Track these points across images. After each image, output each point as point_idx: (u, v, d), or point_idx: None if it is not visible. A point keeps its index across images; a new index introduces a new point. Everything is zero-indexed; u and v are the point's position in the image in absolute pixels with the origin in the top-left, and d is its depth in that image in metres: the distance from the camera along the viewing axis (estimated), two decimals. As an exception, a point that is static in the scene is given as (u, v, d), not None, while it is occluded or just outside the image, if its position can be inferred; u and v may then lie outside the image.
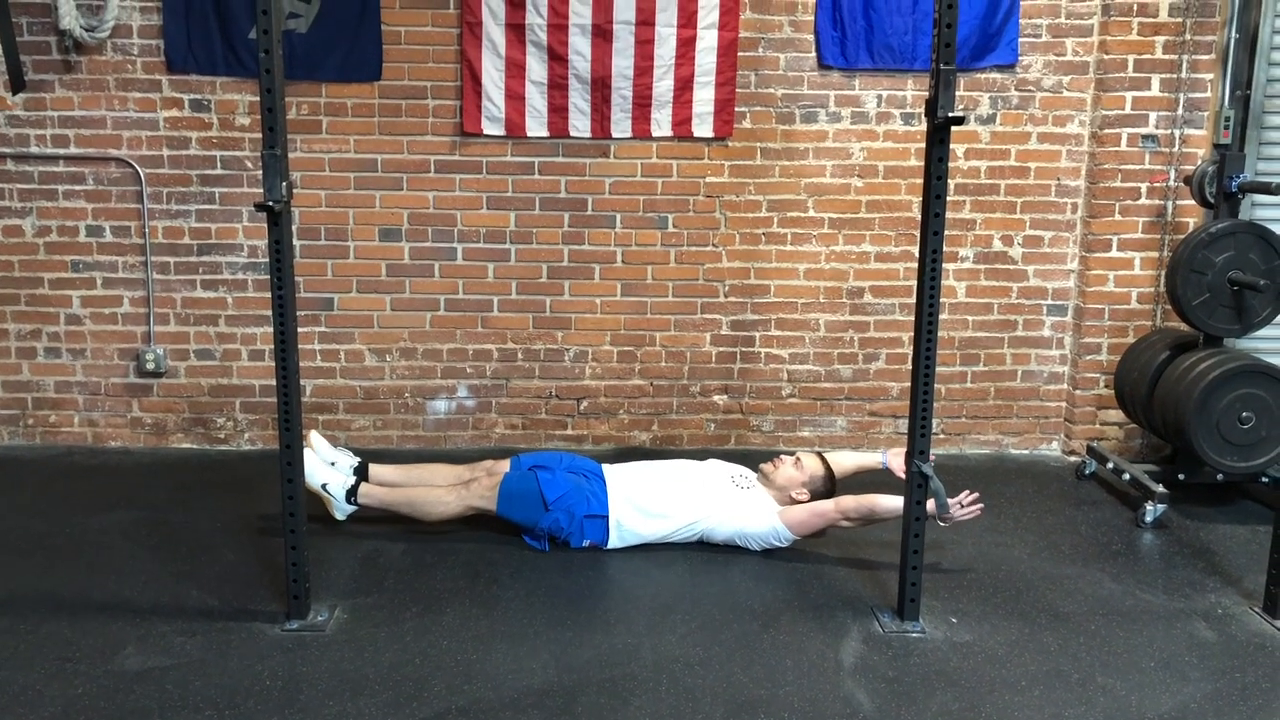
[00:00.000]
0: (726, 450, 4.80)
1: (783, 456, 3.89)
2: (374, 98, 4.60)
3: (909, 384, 3.30)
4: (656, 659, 2.98)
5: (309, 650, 2.99)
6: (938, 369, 3.45)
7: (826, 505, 3.65)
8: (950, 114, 2.85)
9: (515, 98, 4.57)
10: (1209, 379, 3.96)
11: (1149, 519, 4.04)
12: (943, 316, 4.60)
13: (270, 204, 2.84)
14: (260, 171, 3.40)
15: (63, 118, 4.58)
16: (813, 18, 4.59)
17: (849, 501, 3.61)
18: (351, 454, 3.99)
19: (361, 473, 3.87)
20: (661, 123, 4.62)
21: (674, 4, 4.51)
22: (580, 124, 4.61)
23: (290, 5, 4.45)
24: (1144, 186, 4.65)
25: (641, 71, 4.55)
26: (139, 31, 4.52)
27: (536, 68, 4.55)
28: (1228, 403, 3.97)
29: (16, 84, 4.36)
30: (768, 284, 4.79)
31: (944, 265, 3.67)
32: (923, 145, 3.63)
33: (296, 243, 4.51)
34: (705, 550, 3.72)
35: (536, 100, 4.58)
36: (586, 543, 3.70)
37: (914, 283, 4.03)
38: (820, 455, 3.92)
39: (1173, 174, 4.62)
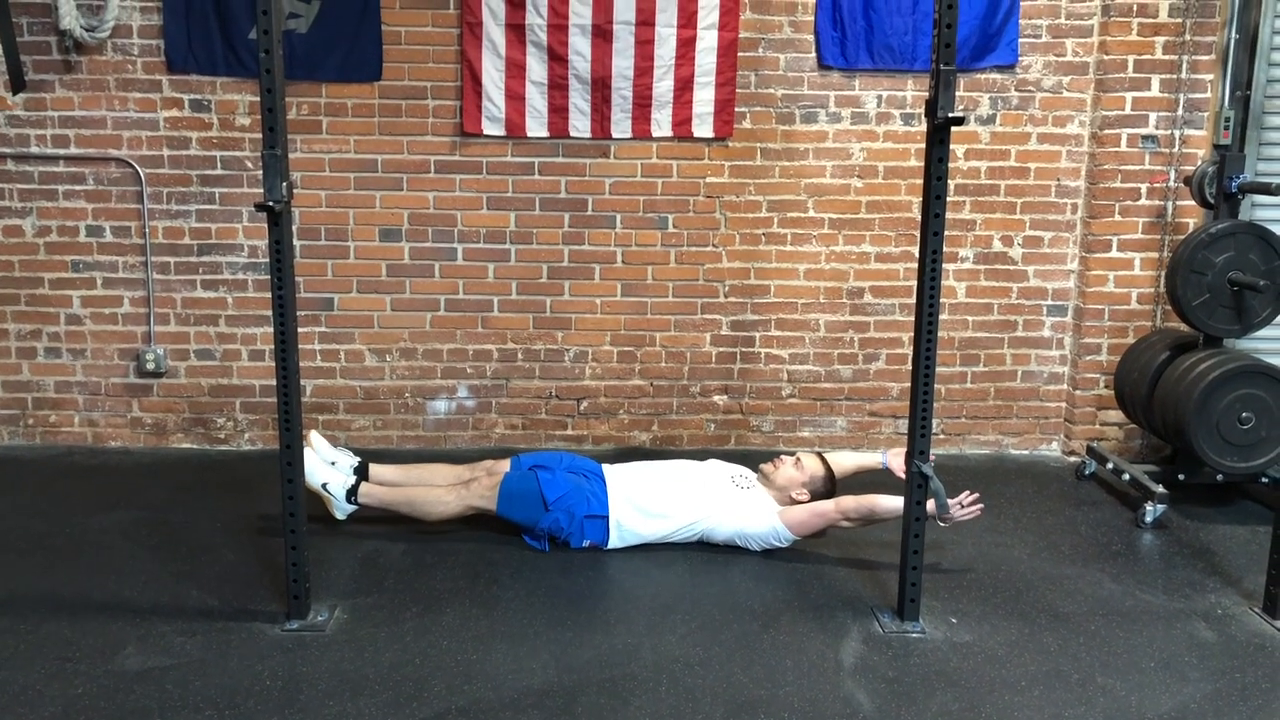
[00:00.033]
0: (726, 450, 4.80)
1: (783, 457, 3.89)
2: (374, 98, 4.60)
3: (909, 384, 3.30)
4: (656, 659, 2.98)
5: (309, 650, 2.99)
6: (938, 369, 3.46)
7: (826, 505, 3.65)
8: (950, 114, 2.85)
9: (515, 98, 4.57)
10: (1209, 379, 3.96)
11: (1149, 519, 4.04)
12: (943, 317, 4.61)
13: (270, 204, 2.84)
14: (260, 171, 3.40)
15: (63, 118, 4.58)
16: (813, 18, 4.59)
17: (849, 502, 3.60)
18: (351, 454, 3.99)
19: (361, 472, 3.87)
20: (661, 123, 4.62)
21: (674, 4, 4.51)
22: (580, 124, 4.61)
23: (290, 5, 4.45)
24: (1144, 187, 4.65)
25: (641, 72, 4.55)
26: (139, 31, 4.52)
27: (536, 68, 4.55)
28: (1228, 403, 3.97)
29: (17, 84, 4.36)
30: (768, 284, 4.79)
31: (944, 265, 3.67)
32: (923, 146, 3.63)
33: (297, 243, 4.51)
34: (705, 550, 3.72)
35: (536, 100, 4.58)
36: (586, 543, 3.70)
37: (914, 283, 4.04)
38: (820, 455, 3.92)
39: (1173, 174, 4.62)
